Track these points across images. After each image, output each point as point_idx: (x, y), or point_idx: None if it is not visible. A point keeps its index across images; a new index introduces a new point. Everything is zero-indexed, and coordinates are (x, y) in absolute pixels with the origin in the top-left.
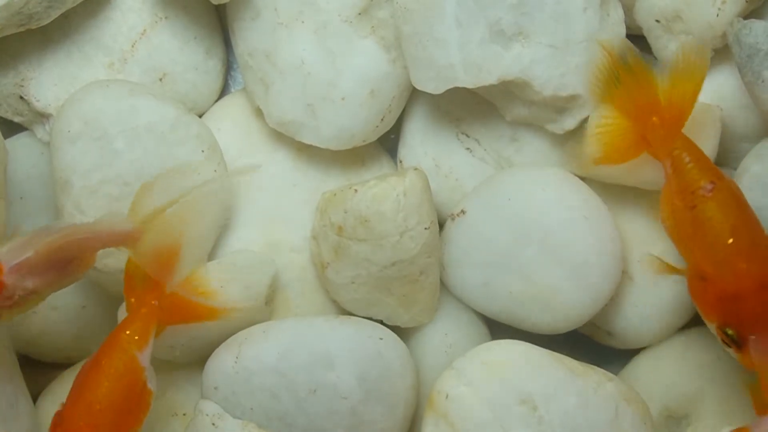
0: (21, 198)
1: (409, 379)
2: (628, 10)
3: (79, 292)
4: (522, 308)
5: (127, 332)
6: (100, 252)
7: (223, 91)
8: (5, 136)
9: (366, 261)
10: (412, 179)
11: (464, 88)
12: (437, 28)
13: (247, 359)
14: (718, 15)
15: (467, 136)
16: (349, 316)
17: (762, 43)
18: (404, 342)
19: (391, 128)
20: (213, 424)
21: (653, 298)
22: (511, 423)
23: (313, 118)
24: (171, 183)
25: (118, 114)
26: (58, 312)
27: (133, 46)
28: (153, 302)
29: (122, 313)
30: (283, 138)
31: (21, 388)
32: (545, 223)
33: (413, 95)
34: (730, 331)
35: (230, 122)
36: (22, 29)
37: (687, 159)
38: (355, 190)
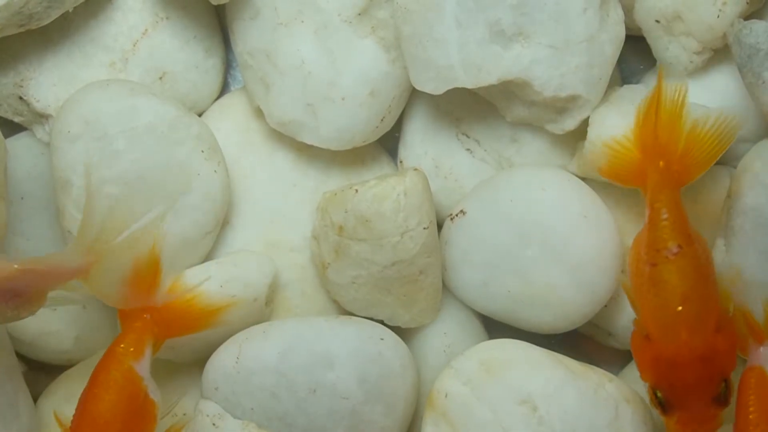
0: (21, 198)
1: (410, 379)
2: (628, 11)
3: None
4: (522, 308)
5: (122, 345)
6: None
7: (223, 89)
8: (5, 136)
9: (366, 261)
10: (412, 179)
11: (464, 89)
12: (437, 28)
13: (247, 359)
14: (718, 16)
15: (467, 136)
16: (349, 317)
17: (762, 44)
18: (406, 342)
19: (392, 128)
20: (213, 424)
21: None
22: (511, 423)
23: (314, 118)
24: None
25: (119, 114)
26: (58, 313)
27: (134, 46)
28: (145, 316)
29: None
30: (283, 138)
31: (21, 388)
32: (545, 223)
33: (413, 95)
34: (659, 394)
35: (230, 122)
36: (22, 29)
37: (665, 216)
38: (356, 190)
